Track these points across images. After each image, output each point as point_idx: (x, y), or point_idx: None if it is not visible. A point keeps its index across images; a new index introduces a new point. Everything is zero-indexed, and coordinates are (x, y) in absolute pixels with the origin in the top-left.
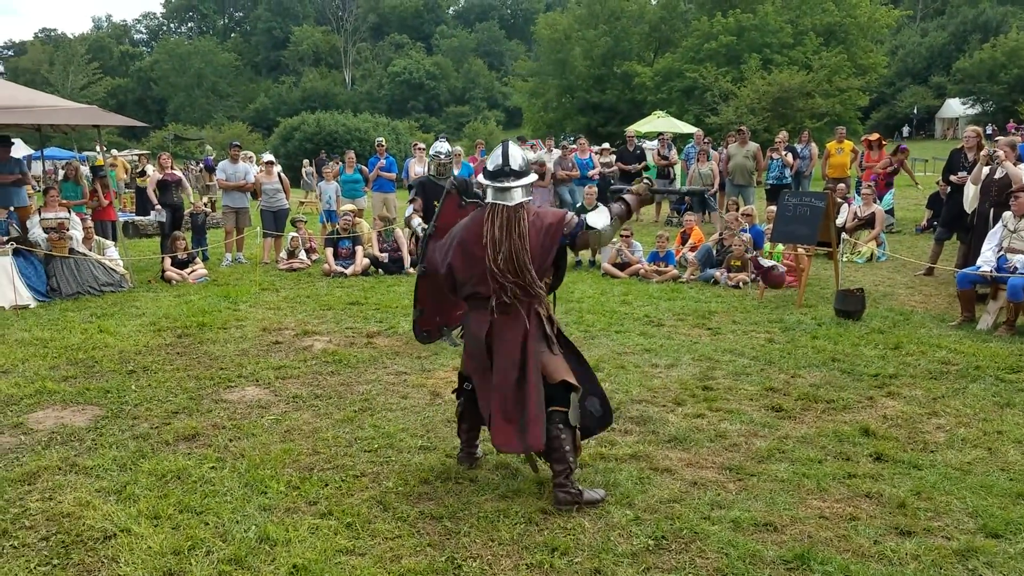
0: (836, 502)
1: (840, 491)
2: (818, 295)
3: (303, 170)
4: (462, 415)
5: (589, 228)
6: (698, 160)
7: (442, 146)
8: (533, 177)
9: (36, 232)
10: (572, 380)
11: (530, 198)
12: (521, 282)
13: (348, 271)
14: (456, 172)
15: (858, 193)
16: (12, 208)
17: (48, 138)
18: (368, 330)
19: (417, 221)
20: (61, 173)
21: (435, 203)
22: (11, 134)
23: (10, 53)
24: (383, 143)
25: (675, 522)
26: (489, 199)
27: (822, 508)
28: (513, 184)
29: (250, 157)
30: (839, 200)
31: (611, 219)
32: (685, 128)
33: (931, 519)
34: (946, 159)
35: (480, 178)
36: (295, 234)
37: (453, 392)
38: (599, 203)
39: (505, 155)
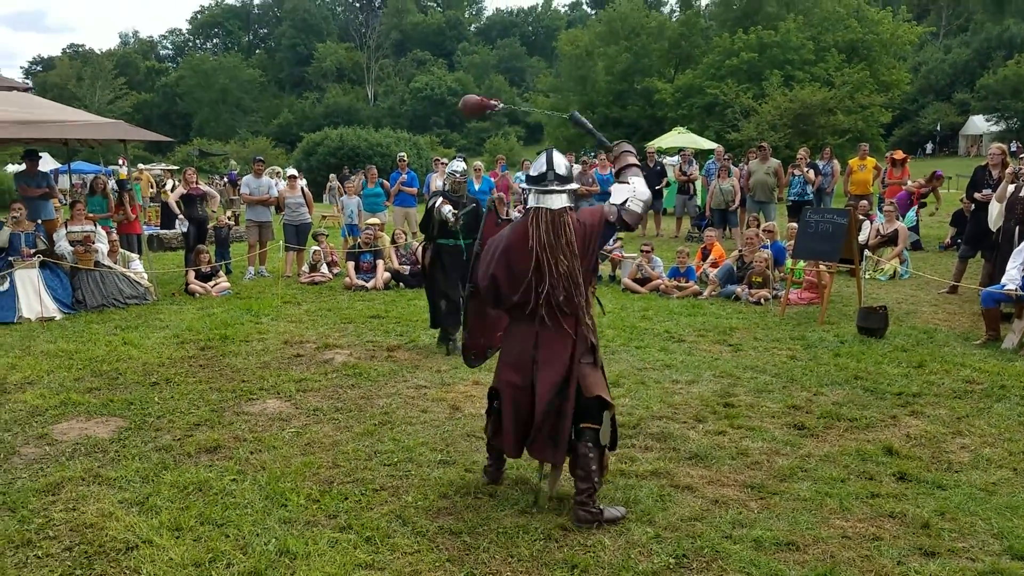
0: (859, 522)
1: (863, 511)
2: (840, 312)
3: (328, 184)
4: (493, 435)
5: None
6: (719, 176)
7: (458, 165)
8: (576, 185)
9: (62, 245)
10: (607, 397)
11: (572, 206)
12: (569, 291)
13: (369, 285)
14: (477, 187)
15: (880, 210)
16: (39, 221)
17: (75, 152)
18: (388, 343)
19: (448, 208)
20: (89, 187)
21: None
22: (39, 148)
23: (39, 68)
24: (405, 158)
25: (696, 540)
26: (531, 204)
27: (845, 528)
28: (557, 188)
29: (277, 172)
30: (861, 217)
31: (627, 188)
32: (706, 144)
33: (955, 540)
34: (970, 176)
35: (523, 184)
36: (317, 248)
37: (485, 413)
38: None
39: (550, 160)
